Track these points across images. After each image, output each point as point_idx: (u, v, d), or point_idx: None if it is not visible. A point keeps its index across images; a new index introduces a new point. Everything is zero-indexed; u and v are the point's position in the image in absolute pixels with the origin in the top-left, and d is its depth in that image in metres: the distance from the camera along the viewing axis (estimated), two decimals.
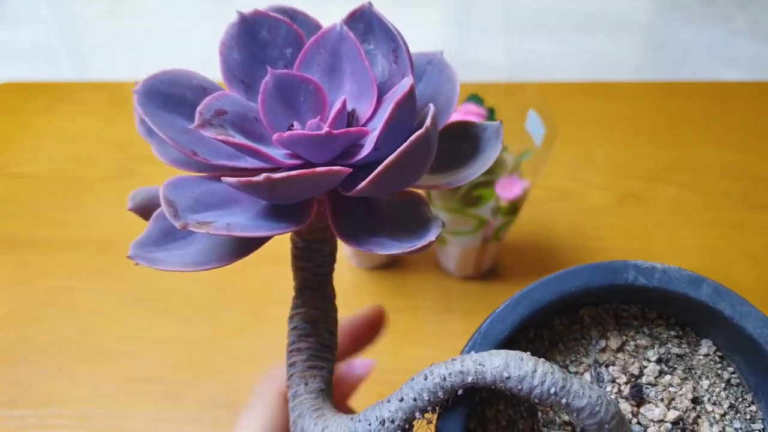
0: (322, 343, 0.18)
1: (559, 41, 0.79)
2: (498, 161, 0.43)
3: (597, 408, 0.15)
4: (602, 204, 0.55)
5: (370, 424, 0.15)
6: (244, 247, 0.16)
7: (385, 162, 0.14)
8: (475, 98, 0.43)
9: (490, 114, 0.43)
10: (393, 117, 0.14)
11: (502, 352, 0.15)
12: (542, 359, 0.15)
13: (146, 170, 0.59)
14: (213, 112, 0.15)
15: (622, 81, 0.69)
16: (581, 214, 0.54)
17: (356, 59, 0.16)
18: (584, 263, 0.18)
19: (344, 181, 0.15)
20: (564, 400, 0.14)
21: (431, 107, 0.14)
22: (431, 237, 0.15)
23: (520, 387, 0.14)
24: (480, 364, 0.15)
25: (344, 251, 0.51)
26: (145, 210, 0.18)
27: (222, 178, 0.14)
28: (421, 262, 0.51)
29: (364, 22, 0.17)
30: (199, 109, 0.15)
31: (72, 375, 0.45)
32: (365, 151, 0.15)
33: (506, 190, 0.40)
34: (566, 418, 0.17)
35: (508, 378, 0.14)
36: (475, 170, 0.17)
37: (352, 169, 0.15)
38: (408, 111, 0.15)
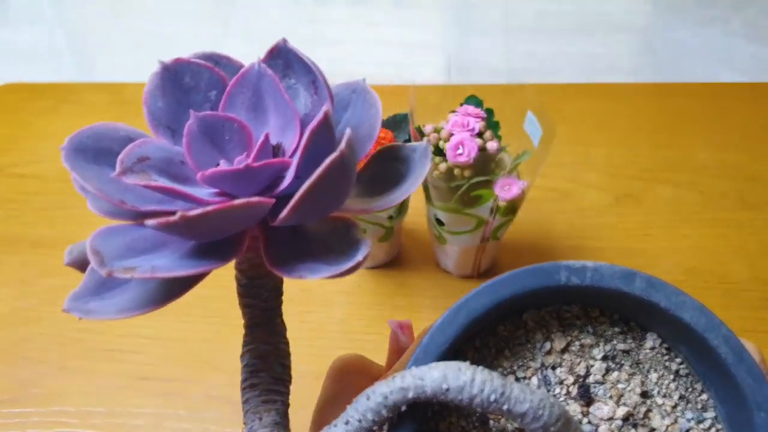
0: (275, 377, 0.19)
1: (558, 43, 0.79)
2: (497, 162, 0.43)
3: (540, 411, 0.14)
4: (600, 204, 0.55)
5: None
6: (175, 288, 0.16)
7: (303, 188, 0.14)
8: (474, 100, 0.44)
9: (489, 115, 0.44)
10: (309, 144, 0.15)
11: (441, 364, 0.15)
12: (481, 367, 0.15)
13: None
14: (135, 159, 0.16)
15: (619, 82, 0.70)
16: (579, 214, 0.54)
17: (277, 94, 0.17)
18: (582, 261, 0.18)
19: (272, 212, 0.16)
20: (505, 407, 0.14)
21: (348, 131, 0.15)
22: (359, 257, 0.16)
23: (460, 397, 0.14)
24: (419, 379, 0.15)
25: None
26: (82, 264, 0.18)
27: (145, 222, 0.14)
28: (420, 262, 0.51)
29: (282, 58, 0.17)
30: (120, 157, 0.15)
31: (75, 373, 0.45)
32: (287, 181, 0.16)
33: (505, 190, 0.41)
34: (517, 425, 0.16)
35: (448, 390, 0.14)
36: (404, 191, 0.17)
37: (274, 200, 0.15)
38: (324, 138, 0.15)
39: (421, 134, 0.43)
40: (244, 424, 0.18)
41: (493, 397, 0.14)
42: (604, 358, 0.18)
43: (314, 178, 0.14)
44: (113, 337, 0.47)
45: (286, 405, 0.19)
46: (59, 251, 0.61)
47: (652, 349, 0.18)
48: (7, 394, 0.44)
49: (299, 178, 0.15)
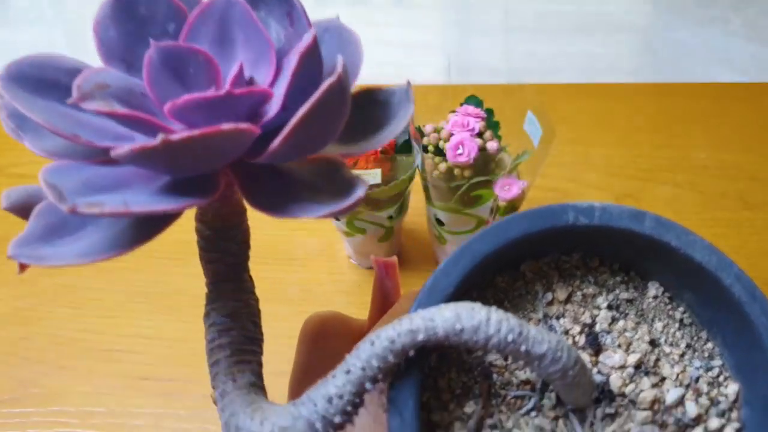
0: (247, 336, 0.17)
1: (558, 43, 0.79)
2: (497, 162, 0.43)
3: (559, 354, 0.14)
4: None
5: (315, 405, 0.14)
6: (145, 229, 0.15)
7: (299, 113, 0.13)
8: (474, 100, 0.44)
9: (489, 115, 0.44)
10: (299, 70, 0.13)
11: (451, 305, 0.14)
12: (494, 307, 0.14)
13: None
14: (93, 85, 0.13)
15: (619, 82, 0.70)
16: None
17: (249, 24, 0.14)
18: (589, 202, 0.17)
19: (252, 149, 0.14)
20: (523, 347, 0.13)
21: (339, 57, 0.13)
22: (359, 193, 0.14)
23: (475, 338, 0.13)
24: (430, 320, 0.13)
25: (345, 251, 0.52)
26: (23, 209, 0.15)
27: (111, 152, 0.12)
28: (420, 262, 0.51)
29: None
30: (76, 82, 0.13)
31: (75, 372, 0.45)
32: (272, 111, 0.14)
33: (505, 190, 0.41)
34: (523, 377, 0.16)
35: (462, 330, 0.13)
36: (387, 135, 0.16)
37: (260, 130, 0.13)
38: (314, 65, 0.14)
39: (421, 134, 0.43)
40: (214, 388, 0.16)
41: (510, 337, 0.13)
42: (609, 307, 0.17)
43: (313, 101, 0.13)
44: (113, 337, 0.47)
45: (260, 365, 0.17)
46: None
47: (655, 298, 0.18)
48: (6, 394, 0.44)
49: (285, 110, 0.13)
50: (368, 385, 0.14)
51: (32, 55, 0.15)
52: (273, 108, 0.14)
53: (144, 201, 0.13)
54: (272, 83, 0.14)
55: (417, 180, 0.45)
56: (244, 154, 0.14)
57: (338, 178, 0.15)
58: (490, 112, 0.44)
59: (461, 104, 0.44)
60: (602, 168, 0.58)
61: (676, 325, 0.17)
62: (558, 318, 0.17)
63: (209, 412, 0.43)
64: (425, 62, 0.85)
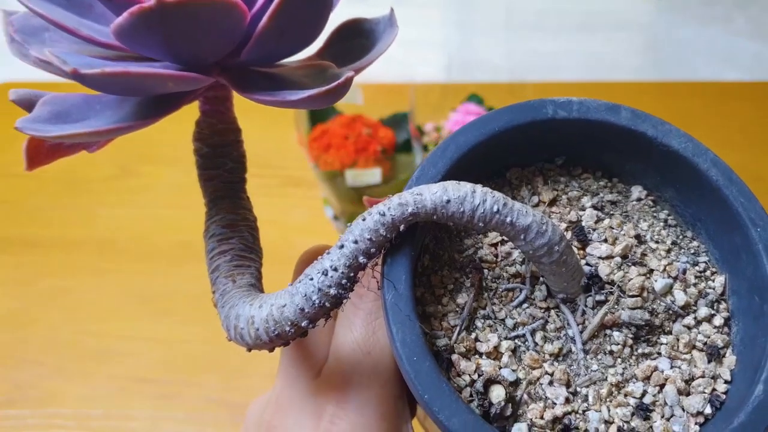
0: (246, 244, 0.17)
1: (560, 41, 0.79)
2: None
3: (543, 227, 0.14)
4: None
5: (311, 279, 0.14)
6: (148, 111, 0.15)
7: None
8: (475, 98, 0.44)
9: None
10: None
11: (439, 183, 0.14)
12: (480, 186, 0.14)
13: (145, 170, 0.59)
14: None
15: (622, 81, 0.69)
16: None
17: None
18: (567, 97, 0.17)
19: (240, 47, 0.15)
20: (509, 218, 0.14)
21: None
22: (346, 76, 0.14)
23: (462, 209, 0.14)
24: (418, 194, 0.14)
25: None
26: (29, 104, 0.16)
27: (112, 25, 0.13)
28: None
29: None
30: None
31: (71, 375, 0.45)
32: (256, 6, 0.14)
33: None
34: (513, 270, 0.16)
35: (448, 201, 0.14)
36: (374, 55, 0.16)
37: (248, 20, 0.14)
38: None
39: (422, 133, 0.42)
40: (213, 292, 0.17)
41: (495, 208, 0.14)
42: (594, 208, 0.18)
43: None
44: (110, 339, 0.47)
45: (259, 271, 0.17)
46: (55, 252, 0.61)
47: (639, 200, 0.18)
48: (2, 395, 0.44)
49: (268, 13, 0.14)
50: (362, 259, 0.14)
51: None
52: (259, 1, 0.14)
53: (144, 67, 0.14)
54: None
55: None
56: (235, 51, 0.15)
57: (327, 75, 0.15)
58: (491, 110, 0.43)
59: (462, 102, 0.43)
60: None
61: (661, 224, 0.18)
62: None
63: (207, 415, 0.42)
64: (426, 60, 0.85)
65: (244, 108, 0.65)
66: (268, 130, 0.62)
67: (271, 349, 0.16)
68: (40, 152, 0.17)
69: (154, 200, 0.56)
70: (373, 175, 0.40)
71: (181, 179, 0.58)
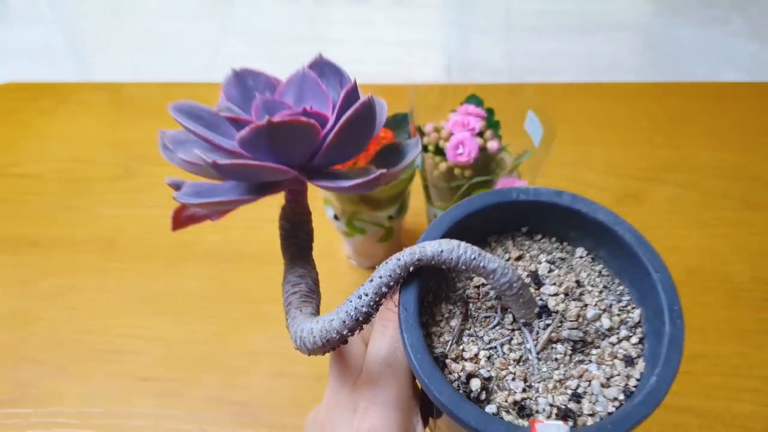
0: (311, 289, 0.25)
1: (559, 42, 0.79)
2: (497, 161, 0.43)
3: (506, 270, 0.21)
4: (601, 203, 0.55)
5: (351, 301, 0.22)
6: (256, 192, 0.23)
7: (342, 120, 0.21)
8: (475, 99, 0.44)
9: (490, 114, 0.44)
10: (344, 104, 0.22)
11: (437, 240, 0.22)
12: (465, 243, 0.21)
13: (148, 170, 0.59)
14: (224, 107, 0.24)
15: (621, 82, 0.69)
16: None
17: (316, 89, 0.24)
18: (529, 186, 0.24)
19: (314, 155, 0.23)
20: (481, 264, 0.21)
21: (370, 94, 0.22)
22: (379, 172, 0.22)
23: (450, 257, 0.21)
24: (422, 247, 0.22)
25: (344, 252, 0.52)
26: (177, 186, 0.24)
27: (238, 135, 0.21)
28: None
29: (318, 67, 0.25)
30: (216, 106, 0.23)
31: (73, 373, 0.45)
32: (328, 127, 0.22)
33: None
34: (489, 304, 0.24)
35: (442, 252, 0.21)
36: (401, 166, 0.25)
37: (319, 115, 0.22)
38: (353, 101, 0.22)
39: (422, 133, 0.43)
40: (287, 319, 0.24)
41: (473, 256, 0.21)
42: (548, 262, 0.25)
43: (350, 113, 0.21)
44: (112, 338, 0.47)
45: (318, 307, 0.25)
46: (57, 251, 0.61)
47: (581, 257, 0.25)
48: (4, 394, 0.44)
49: (336, 126, 0.22)
50: (384, 289, 0.22)
51: (184, 101, 0.24)
52: (328, 126, 0.22)
53: (256, 162, 0.22)
54: (330, 117, 0.23)
55: (417, 180, 0.45)
56: (311, 157, 0.23)
57: (368, 172, 0.24)
58: (490, 111, 0.44)
59: (462, 103, 0.44)
60: (603, 168, 0.58)
61: (596, 274, 0.25)
62: None
63: (208, 414, 0.42)
64: (426, 61, 0.85)
65: None
66: None
67: (324, 353, 0.23)
68: (180, 218, 0.25)
69: (156, 201, 0.57)
70: None
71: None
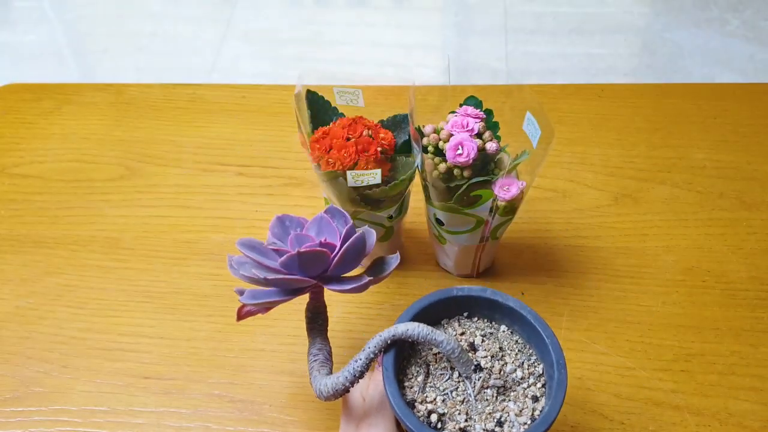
0: (326, 358, 0.38)
1: (556, 44, 0.80)
2: (496, 162, 0.44)
3: (450, 340, 0.33)
4: (598, 204, 0.55)
5: (351, 364, 0.34)
6: (291, 294, 0.37)
7: (344, 247, 0.36)
8: (474, 100, 0.44)
9: (488, 115, 0.44)
10: (347, 238, 0.37)
11: (406, 322, 0.34)
12: (423, 324, 0.33)
13: (151, 170, 0.60)
14: (270, 243, 0.38)
15: (618, 83, 0.70)
16: (577, 214, 0.55)
17: (329, 225, 0.38)
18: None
19: (327, 269, 0.37)
20: (433, 338, 0.33)
21: (361, 231, 0.38)
22: (368, 279, 0.37)
23: (413, 333, 0.33)
24: (396, 327, 0.34)
25: None
26: (240, 292, 0.38)
27: (280, 260, 0.36)
28: (420, 261, 0.52)
29: (330, 211, 0.39)
30: (266, 242, 0.38)
31: (76, 371, 0.45)
32: (336, 249, 0.37)
33: (504, 190, 0.41)
34: (444, 365, 0.35)
35: (407, 330, 0.33)
36: (385, 274, 0.39)
37: (327, 249, 0.36)
38: (350, 237, 0.37)
39: (421, 134, 0.43)
40: (310, 376, 0.37)
41: (427, 332, 0.33)
42: (481, 335, 0.37)
43: (349, 242, 0.36)
44: (115, 336, 0.47)
45: (331, 369, 0.38)
46: (61, 251, 0.62)
47: (503, 331, 0.38)
48: (8, 392, 0.44)
49: (340, 251, 0.37)
50: (372, 355, 0.34)
51: (247, 239, 0.37)
52: (336, 251, 0.37)
53: (291, 277, 0.37)
54: (337, 246, 0.37)
55: (417, 180, 0.45)
56: (324, 270, 0.37)
57: (362, 279, 0.38)
58: (489, 112, 0.44)
59: (461, 105, 0.44)
60: (600, 168, 0.58)
61: (513, 342, 0.37)
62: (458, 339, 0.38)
63: (210, 411, 0.43)
64: (425, 63, 0.85)
65: (251, 115, 0.67)
66: (271, 133, 0.63)
67: (335, 399, 0.36)
68: (241, 313, 0.38)
69: (159, 200, 0.57)
70: (373, 175, 0.40)
71: (184, 180, 0.59)
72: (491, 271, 0.51)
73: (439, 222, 0.46)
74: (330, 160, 0.41)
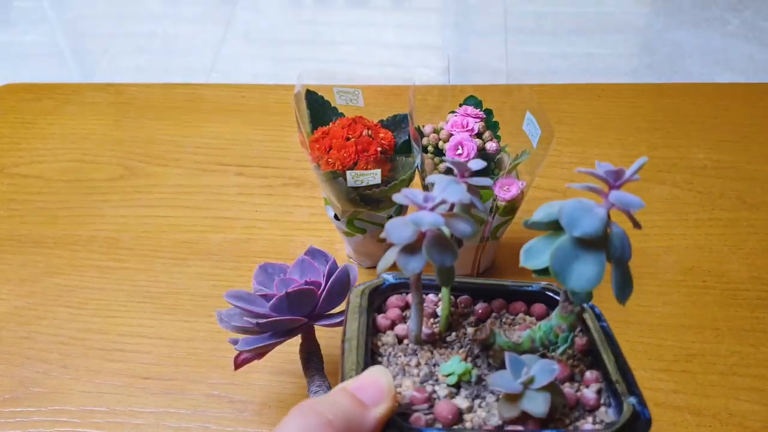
0: (323, 384, 0.39)
1: (556, 44, 0.80)
2: (496, 162, 0.44)
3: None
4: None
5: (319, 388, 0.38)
6: (282, 336, 0.38)
7: (327, 286, 0.38)
8: (473, 100, 0.44)
9: (488, 115, 0.44)
10: (330, 276, 0.38)
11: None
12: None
13: (151, 170, 0.60)
14: (257, 290, 0.39)
15: (618, 83, 0.70)
16: None
17: (311, 266, 0.39)
18: None
19: (315, 308, 0.38)
20: None
21: (345, 269, 0.39)
22: (341, 318, 0.37)
23: None
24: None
25: (345, 251, 0.52)
26: (234, 342, 0.39)
27: (268, 302, 0.37)
28: None
29: (310, 253, 0.40)
30: (254, 288, 0.39)
31: (76, 372, 0.45)
32: (321, 287, 0.38)
33: (504, 190, 0.41)
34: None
35: None
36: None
37: (313, 287, 0.37)
38: (334, 278, 0.38)
39: (421, 134, 0.43)
40: (308, 393, 0.38)
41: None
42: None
43: (333, 278, 0.38)
44: (114, 337, 0.47)
45: (328, 389, 0.38)
46: (60, 251, 0.61)
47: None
48: (8, 393, 0.44)
49: (326, 287, 0.38)
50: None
51: (234, 290, 0.37)
52: (321, 288, 0.38)
53: (281, 318, 0.37)
54: (322, 283, 0.38)
55: (417, 180, 0.45)
56: (313, 309, 0.38)
57: (342, 315, 0.37)
58: (489, 112, 0.44)
59: (460, 105, 0.44)
60: None
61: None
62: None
63: (210, 411, 0.43)
64: (425, 63, 0.85)
65: (251, 115, 0.66)
66: (271, 133, 0.63)
67: None
68: (238, 361, 0.39)
69: (158, 200, 0.57)
70: (373, 175, 0.40)
71: (184, 180, 0.59)
72: (491, 272, 0.51)
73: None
74: (330, 160, 0.41)
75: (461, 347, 0.27)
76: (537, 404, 0.22)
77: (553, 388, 0.23)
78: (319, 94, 0.45)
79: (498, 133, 0.44)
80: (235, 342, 0.37)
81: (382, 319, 0.27)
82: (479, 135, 0.42)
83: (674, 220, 0.54)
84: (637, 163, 0.21)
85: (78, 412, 0.43)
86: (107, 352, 0.46)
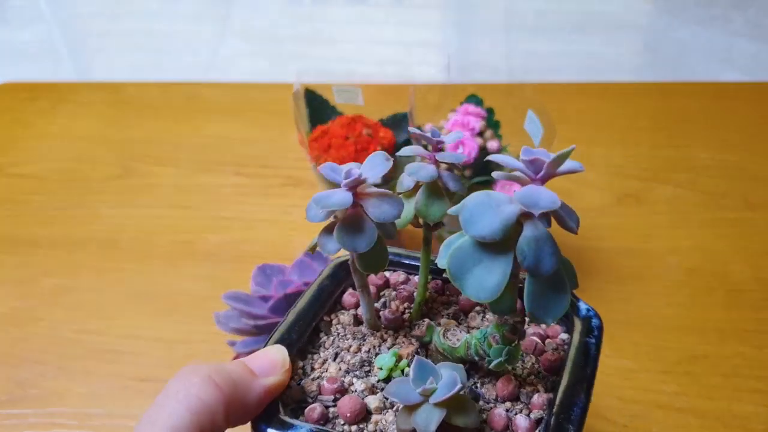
0: None
1: (559, 42, 0.79)
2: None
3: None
4: (601, 204, 0.55)
5: None
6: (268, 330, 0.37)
7: (312, 287, 0.34)
8: (475, 99, 0.44)
9: (490, 114, 0.44)
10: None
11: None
12: None
13: (147, 170, 0.59)
14: (254, 290, 0.39)
15: (620, 82, 0.69)
16: (580, 214, 0.53)
17: (310, 267, 0.39)
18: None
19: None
20: None
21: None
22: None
23: None
24: None
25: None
26: (233, 343, 0.38)
27: (268, 302, 0.37)
28: None
29: (309, 255, 0.39)
30: (252, 290, 0.39)
31: (73, 374, 0.45)
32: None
33: (505, 190, 0.41)
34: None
35: None
36: None
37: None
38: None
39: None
40: None
41: None
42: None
43: (317, 283, 0.33)
44: (112, 338, 0.47)
45: None
46: (57, 251, 0.61)
47: None
48: (4, 394, 0.44)
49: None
50: None
51: (232, 292, 0.37)
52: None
53: (276, 319, 0.37)
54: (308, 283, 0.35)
55: None
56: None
57: None
58: (490, 111, 0.44)
59: (461, 103, 0.44)
60: (603, 168, 0.58)
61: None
62: None
63: None
64: (425, 61, 0.85)
65: (249, 114, 0.66)
66: (269, 131, 0.63)
67: None
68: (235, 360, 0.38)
69: (156, 200, 0.57)
70: None
71: (181, 180, 0.58)
72: None
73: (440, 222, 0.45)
74: (329, 159, 0.41)
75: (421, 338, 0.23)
76: (426, 421, 0.18)
77: (460, 405, 0.19)
78: (318, 92, 0.45)
79: (499, 132, 0.43)
80: (233, 344, 0.37)
81: (348, 296, 0.25)
82: (480, 134, 0.41)
83: (678, 221, 0.54)
84: (563, 150, 0.17)
85: (75, 414, 0.43)
86: (104, 353, 0.46)
